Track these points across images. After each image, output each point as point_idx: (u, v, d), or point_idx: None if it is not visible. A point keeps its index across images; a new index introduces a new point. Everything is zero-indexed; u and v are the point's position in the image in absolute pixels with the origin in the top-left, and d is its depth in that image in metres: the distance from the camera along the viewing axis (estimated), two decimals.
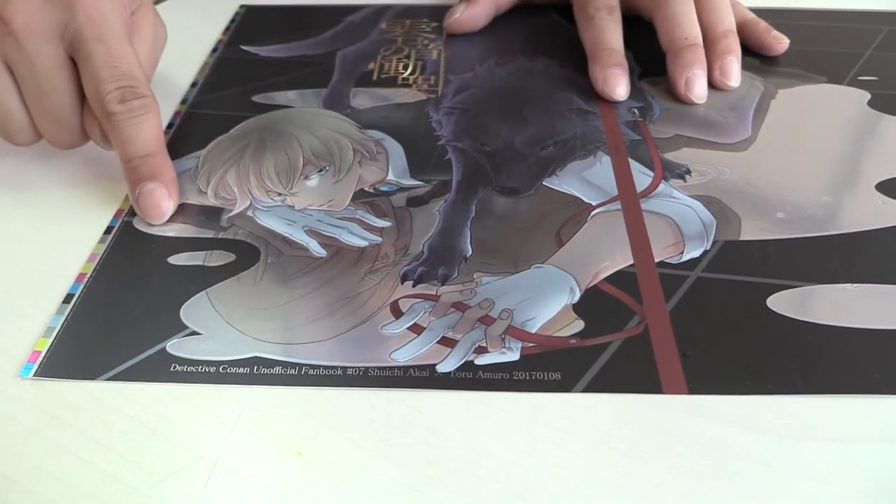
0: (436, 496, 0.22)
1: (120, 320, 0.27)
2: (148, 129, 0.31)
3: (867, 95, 0.38)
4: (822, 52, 0.42)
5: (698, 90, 0.38)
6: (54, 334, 0.27)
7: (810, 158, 0.34)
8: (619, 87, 0.38)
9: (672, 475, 0.22)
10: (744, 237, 0.30)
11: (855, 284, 0.28)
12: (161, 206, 0.31)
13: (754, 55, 0.41)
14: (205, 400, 0.25)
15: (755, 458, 0.23)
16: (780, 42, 0.41)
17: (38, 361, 0.26)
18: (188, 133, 0.37)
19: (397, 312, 0.27)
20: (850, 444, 0.23)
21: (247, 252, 0.30)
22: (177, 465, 0.23)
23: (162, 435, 0.24)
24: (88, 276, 0.29)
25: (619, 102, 0.38)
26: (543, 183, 0.33)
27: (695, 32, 0.39)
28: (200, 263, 0.30)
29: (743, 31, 0.42)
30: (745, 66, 0.40)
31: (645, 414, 0.24)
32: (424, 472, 0.23)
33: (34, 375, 0.26)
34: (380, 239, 0.30)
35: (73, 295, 0.29)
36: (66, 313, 0.28)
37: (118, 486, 0.22)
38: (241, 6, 0.47)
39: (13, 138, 0.33)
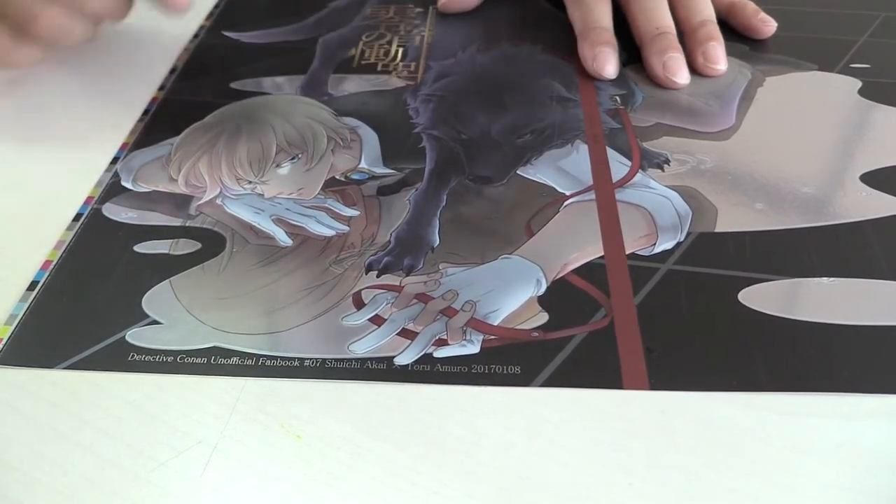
0: (435, 477, 0.22)
1: (82, 309, 0.27)
2: None
3: (858, 84, 0.37)
4: (814, 38, 0.40)
5: (678, 71, 0.37)
6: (16, 322, 0.27)
7: (794, 148, 0.33)
8: (608, 65, 0.37)
9: (670, 452, 0.22)
10: (720, 229, 0.29)
11: (831, 278, 0.27)
12: None
13: (744, 41, 0.40)
14: (203, 384, 0.25)
15: (753, 434, 0.23)
16: (766, 25, 0.40)
17: None
18: (164, 120, 0.36)
19: (359, 303, 0.27)
20: (848, 419, 0.23)
21: (213, 241, 0.30)
22: (176, 450, 0.23)
23: (160, 419, 0.24)
24: (54, 263, 0.29)
25: (601, 89, 0.37)
26: (517, 172, 0.32)
27: (666, 22, 0.38)
28: (166, 252, 0.29)
29: (731, 13, 0.41)
30: (734, 53, 0.39)
31: (642, 392, 0.24)
32: (423, 454, 0.23)
33: None
34: (347, 228, 0.30)
35: (38, 282, 0.28)
36: (30, 301, 0.28)
37: (117, 472, 0.22)
38: None
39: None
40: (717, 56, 0.37)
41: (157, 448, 0.23)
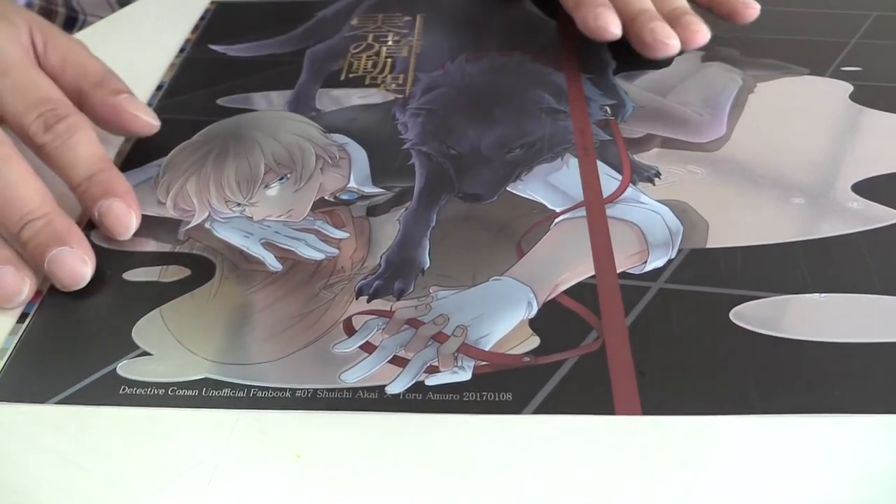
0: (435, 496, 0.22)
1: (72, 340, 0.27)
2: (84, 148, 0.30)
3: (849, 88, 0.37)
4: (805, 40, 0.40)
5: (671, 35, 0.37)
6: (7, 356, 0.27)
7: (785, 158, 0.33)
8: (611, 25, 0.37)
9: (664, 478, 0.22)
10: (711, 244, 0.29)
11: (824, 294, 0.27)
12: (123, 220, 0.30)
13: (734, 46, 0.40)
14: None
15: (747, 458, 0.23)
16: (748, 8, 0.39)
17: None
18: (151, 140, 0.36)
19: (350, 330, 0.27)
20: (842, 441, 0.23)
21: (203, 267, 0.30)
22: (177, 471, 0.23)
23: (161, 441, 0.24)
24: (44, 294, 0.29)
25: (591, 100, 0.36)
26: (508, 189, 0.32)
27: (647, 6, 0.38)
28: (155, 279, 0.29)
29: (713, 1, 0.40)
30: (724, 59, 0.39)
31: (634, 418, 0.24)
32: (423, 472, 0.23)
33: None
34: (337, 251, 0.30)
35: (28, 314, 0.28)
36: (20, 333, 0.28)
37: (120, 494, 0.23)
38: (212, 2, 0.47)
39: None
40: (696, 22, 0.37)
41: (159, 470, 0.23)
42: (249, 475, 0.23)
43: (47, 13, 0.55)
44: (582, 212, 0.31)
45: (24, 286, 0.28)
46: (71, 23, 0.55)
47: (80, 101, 0.33)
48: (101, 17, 0.47)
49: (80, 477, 0.23)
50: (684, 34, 0.37)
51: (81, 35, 0.45)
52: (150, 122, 0.34)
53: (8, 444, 0.24)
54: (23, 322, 0.28)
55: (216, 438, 0.24)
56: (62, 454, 0.24)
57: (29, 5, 0.55)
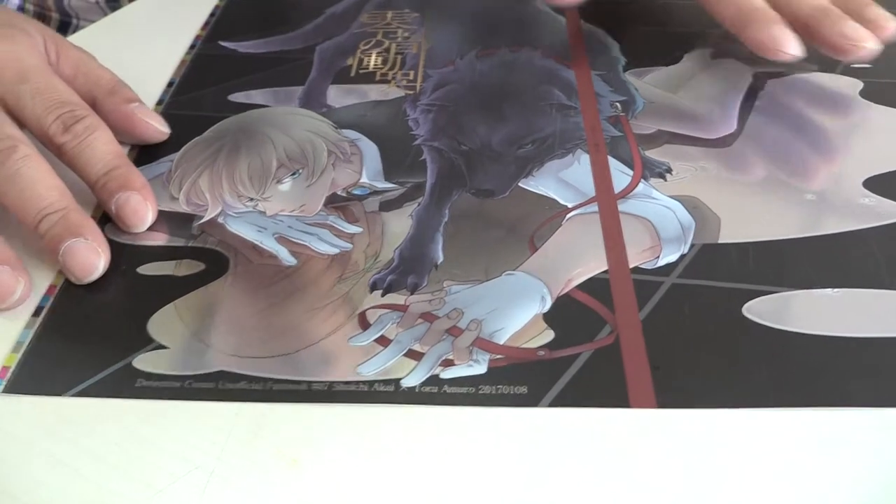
0: (450, 488, 0.22)
1: (88, 334, 0.27)
2: (101, 146, 0.31)
3: (860, 85, 0.37)
4: None
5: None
6: (23, 349, 0.27)
7: (796, 154, 0.33)
8: (789, 46, 0.34)
9: (679, 471, 0.22)
10: (723, 239, 0.29)
11: (836, 289, 0.27)
12: (140, 213, 0.31)
13: (743, 43, 0.40)
14: (199, 408, 0.25)
15: (762, 451, 0.23)
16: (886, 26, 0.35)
17: (7, 378, 0.26)
18: None
19: (365, 324, 0.27)
20: (858, 434, 0.23)
21: (216, 261, 0.30)
22: (174, 476, 0.23)
23: (157, 445, 0.24)
24: (59, 287, 0.29)
25: (601, 96, 0.37)
26: (519, 184, 0.32)
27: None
28: (170, 273, 0.29)
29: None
30: (734, 55, 0.39)
31: (649, 411, 0.24)
32: (421, 478, 0.23)
33: (3, 392, 0.26)
34: (350, 246, 0.30)
35: (43, 308, 0.28)
36: (35, 327, 0.28)
37: (116, 499, 0.23)
38: None
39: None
40: (883, 16, 0.35)
41: (155, 475, 0.23)
42: (245, 480, 0.23)
43: (40, 17, 0.55)
44: (594, 207, 0.31)
45: (17, 286, 0.28)
46: (64, 27, 0.55)
47: (93, 109, 0.33)
48: (93, 22, 0.47)
49: (77, 481, 0.23)
50: (873, 31, 0.34)
51: (91, 31, 0.45)
52: (160, 130, 0.35)
53: (5, 448, 0.24)
54: (38, 315, 0.28)
55: (213, 443, 0.24)
56: (58, 458, 0.24)
57: (21, 10, 0.55)
